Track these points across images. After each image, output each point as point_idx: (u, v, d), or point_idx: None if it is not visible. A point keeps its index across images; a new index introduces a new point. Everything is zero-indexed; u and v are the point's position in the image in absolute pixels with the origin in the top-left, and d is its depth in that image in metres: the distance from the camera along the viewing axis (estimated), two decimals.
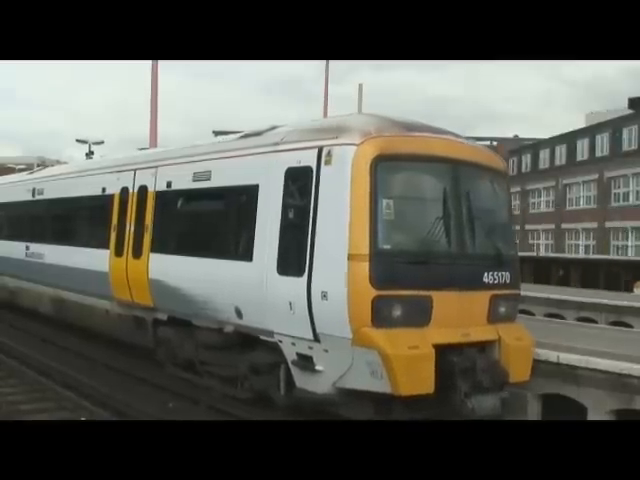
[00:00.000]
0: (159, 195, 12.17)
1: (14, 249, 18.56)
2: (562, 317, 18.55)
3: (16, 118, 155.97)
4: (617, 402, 9.01)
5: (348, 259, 8.26)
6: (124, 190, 13.18)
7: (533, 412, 9.90)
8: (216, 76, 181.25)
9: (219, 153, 11.11)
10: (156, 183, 12.26)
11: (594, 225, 44.38)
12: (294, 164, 9.17)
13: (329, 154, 8.69)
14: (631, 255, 39.51)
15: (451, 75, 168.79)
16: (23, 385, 12.25)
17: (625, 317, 18.09)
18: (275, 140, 9.79)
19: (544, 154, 52.95)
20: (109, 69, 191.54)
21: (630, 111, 45.18)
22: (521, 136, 69.07)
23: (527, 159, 55.62)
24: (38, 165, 47.48)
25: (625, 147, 42.81)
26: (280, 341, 9.32)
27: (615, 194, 42.96)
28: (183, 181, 11.61)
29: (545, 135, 56.14)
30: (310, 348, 8.83)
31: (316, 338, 8.68)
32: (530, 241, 51.24)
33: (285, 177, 9.28)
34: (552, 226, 49.58)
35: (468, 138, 10.17)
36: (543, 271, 31.93)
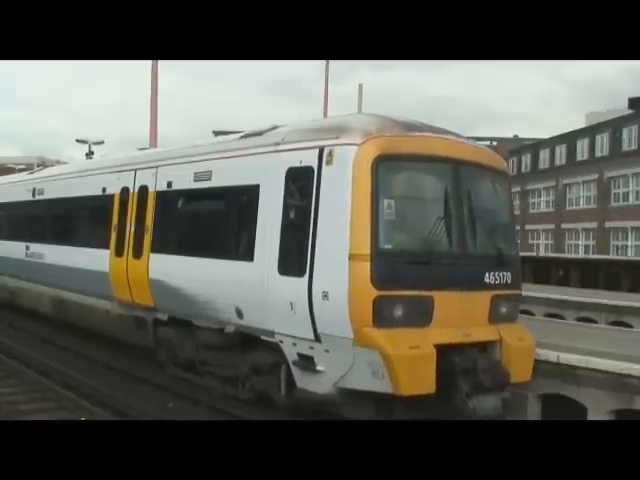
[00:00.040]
0: (160, 195, 12.16)
1: (14, 249, 18.55)
2: (562, 317, 18.55)
3: (16, 118, 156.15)
4: (617, 402, 9.01)
5: (349, 259, 8.25)
6: (124, 190, 13.17)
7: (533, 412, 9.90)
8: (216, 76, 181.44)
9: (220, 153, 11.10)
10: (156, 183, 12.25)
11: (594, 225, 44.40)
12: (295, 164, 9.16)
13: (330, 154, 8.68)
14: (631, 255, 39.51)
15: (451, 75, 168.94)
16: (23, 385, 12.24)
17: (625, 317, 18.10)
18: (276, 140, 9.78)
19: (544, 154, 52.97)
20: (109, 69, 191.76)
21: (630, 111, 45.18)
22: (521, 136, 69.08)
23: (527, 159, 55.64)
24: (38, 165, 47.49)
25: (625, 147, 42.82)
26: (281, 341, 9.31)
27: (615, 194, 42.99)
28: (184, 181, 11.60)
29: (545, 135, 56.26)
30: (311, 348, 8.82)
31: (317, 338, 8.66)
32: (530, 241, 51.25)
33: (286, 177, 9.27)
34: (552, 226, 49.60)
35: (468, 138, 10.17)
36: (543, 271, 31.89)
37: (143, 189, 12.57)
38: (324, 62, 37.23)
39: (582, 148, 47.63)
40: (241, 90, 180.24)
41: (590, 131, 47.46)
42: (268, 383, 9.97)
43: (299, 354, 9.06)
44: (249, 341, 10.06)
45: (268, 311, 9.30)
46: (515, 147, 59.11)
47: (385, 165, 8.47)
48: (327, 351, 8.64)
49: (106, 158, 17.66)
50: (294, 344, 9.08)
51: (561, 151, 50.56)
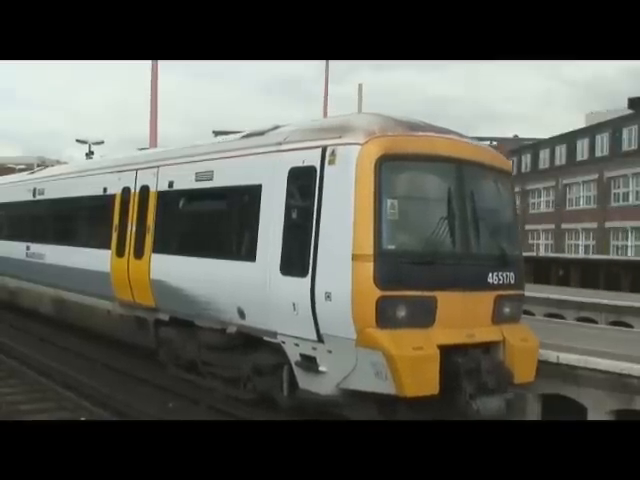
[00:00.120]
0: (161, 195, 12.13)
1: (15, 249, 18.53)
2: (562, 317, 18.55)
3: (16, 118, 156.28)
4: (617, 402, 9.01)
5: (352, 259, 8.22)
6: (126, 190, 13.15)
7: (533, 412, 9.89)
8: (216, 76, 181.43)
9: (221, 153, 11.07)
10: (158, 183, 12.23)
11: (594, 225, 44.39)
12: (297, 164, 9.13)
13: (333, 154, 8.65)
14: (631, 255, 39.51)
15: (451, 75, 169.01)
16: (23, 385, 12.22)
17: (625, 317, 18.10)
18: (278, 140, 9.75)
19: (544, 154, 52.97)
20: (109, 69, 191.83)
21: (630, 111, 45.19)
22: (521, 136, 69.11)
23: (527, 159, 55.64)
24: (38, 165, 47.50)
25: (625, 147, 42.82)
26: (283, 342, 9.28)
27: (615, 194, 42.99)
28: (185, 181, 11.57)
29: (545, 135, 56.26)
30: (314, 349, 8.79)
31: (320, 339, 8.64)
32: (530, 241, 51.22)
33: (288, 177, 9.24)
34: (552, 226, 49.60)
35: (471, 138, 10.15)
36: (543, 271, 31.89)
37: (144, 189, 12.55)
38: (324, 62, 37.23)
39: (582, 148, 47.63)
40: (241, 90, 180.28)
41: (590, 131, 47.46)
42: (270, 384, 9.93)
43: (301, 355, 9.03)
44: (251, 342, 10.03)
45: (270, 311, 9.27)
46: (515, 147, 59.09)
47: (388, 165, 8.44)
48: (330, 352, 8.60)
49: (107, 158, 17.64)
50: (296, 345, 9.05)
51: (561, 151, 50.56)
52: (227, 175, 10.71)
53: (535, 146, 55.51)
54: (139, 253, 12.35)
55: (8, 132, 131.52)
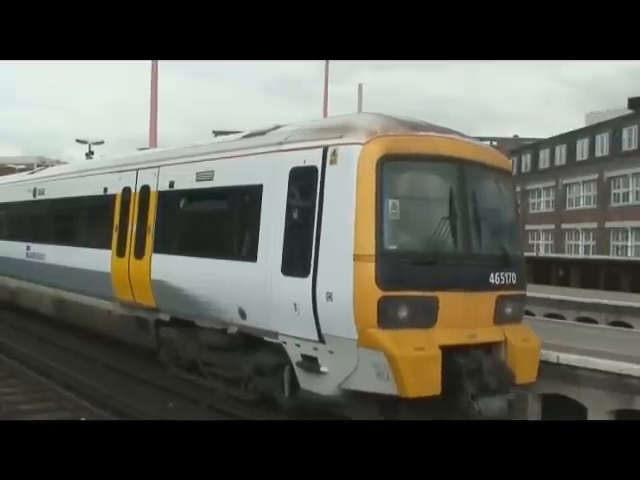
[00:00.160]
0: (161, 195, 12.12)
1: (15, 249, 18.52)
2: (562, 317, 18.55)
3: (16, 118, 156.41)
4: (617, 402, 9.01)
5: (354, 259, 8.19)
6: (126, 190, 13.13)
7: (533, 412, 9.90)
8: (216, 76, 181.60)
9: (222, 153, 11.05)
10: (158, 183, 12.21)
11: (594, 225, 44.39)
12: (299, 164, 9.11)
13: (334, 154, 8.62)
14: (631, 255, 39.52)
15: (451, 75, 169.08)
16: (23, 385, 12.21)
17: (625, 317, 18.10)
18: (279, 140, 9.74)
19: (544, 154, 52.97)
20: (109, 69, 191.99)
21: (630, 111, 45.20)
22: (521, 136, 69.15)
23: (527, 159, 55.64)
24: (38, 165, 47.50)
25: (625, 147, 42.82)
26: (284, 342, 9.26)
27: (615, 194, 42.99)
28: (186, 181, 11.55)
29: (545, 135, 56.28)
30: (315, 349, 8.77)
31: (321, 339, 8.61)
32: (530, 241, 51.21)
33: (290, 177, 9.22)
34: (552, 226, 49.60)
35: (472, 138, 10.14)
36: (543, 271, 31.90)
37: (145, 189, 12.53)
38: (324, 62, 37.19)
39: (582, 148, 47.63)
40: (241, 90, 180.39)
41: (590, 131, 47.46)
42: (271, 384, 9.92)
43: (303, 355, 9.01)
44: (252, 342, 10.01)
45: (271, 312, 9.25)
46: (515, 147, 59.10)
47: (390, 165, 8.41)
48: (331, 352, 8.58)
49: (107, 158, 17.61)
50: (298, 345, 9.03)
51: (561, 151, 50.56)
52: (228, 175, 10.69)
53: (535, 146, 55.51)
54: (140, 253, 12.33)
55: (8, 132, 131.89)
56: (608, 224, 42.95)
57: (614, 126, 43.95)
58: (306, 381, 9.10)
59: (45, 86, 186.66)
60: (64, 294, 15.53)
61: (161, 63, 24.32)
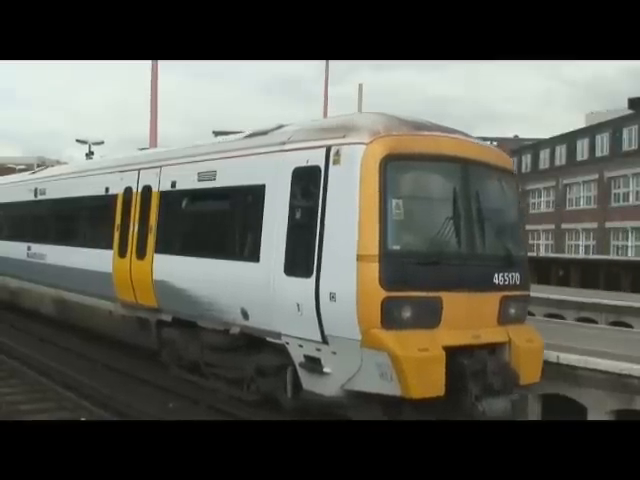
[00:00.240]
0: (163, 195, 12.08)
1: (15, 249, 18.50)
2: (562, 317, 18.56)
3: (16, 118, 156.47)
4: (617, 402, 9.02)
5: (357, 260, 8.15)
6: (128, 190, 13.11)
7: (533, 412, 9.91)
8: (216, 76, 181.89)
9: (224, 153, 11.01)
10: (160, 183, 12.18)
11: (594, 225, 44.41)
12: (302, 164, 9.07)
13: (337, 153, 8.59)
14: (631, 255, 39.53)
15: (451, 75, 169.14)
16: (24, 385, 12.20)
17: (625, 317, 18.10)
18: (282, 139, 9.70)
19: (544, 154, 52.99)
20: (109, 69, 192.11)
21: (630, 111, 45.22)
22: (521, 136, 69.21)
23: (527, 159, 55.64)
24: (38, 165, 47.51)
25: (625, 147, 42.84)
26: (287, 343, 9.22)
27: (615, 194, 43.02)
28: (188, 181, 11.52)
29: (545, 135, 56.33)
30: (318, 350, 8.73)
31: (324, 340, 8.58)
32: (530, 241, 51.20)
33: (292, 177, 9.18)
34: (552, 226, 49.61)
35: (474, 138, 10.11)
36: (543, 271, 31.89)
37: (146, 189, 12.51)
38: (324, 62, 37.17)
39: (582, 148, 47.65)
40: (241, 90, 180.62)
41: (590, 131, 47.49)
42: (274, 385, 9.89)
43: (305, 356, 8.97)
44: (254, 342, 9.97)
45: (274, 312, 9.22)
46: (515, 147, 59.09)
47: (393, 164, 8.37)
48: (334, 353, 8.55)
49: (109, 158, 17.57)
50: (300, 346, 9.00)
51: (561, 151, 50.58)
52: (230, 175, 10.66)
53: (535, 146, 55.53)
54: (141, 253, 12.30)
55: (8, 132, 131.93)
56: (608, 224, 42.97)
57: (614, 126, 43.97)
58: (309, 382, 9.06)
59: (45, 86, 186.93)
60: (65, 294, 15.51)
61: (161, 63, 24.34)
